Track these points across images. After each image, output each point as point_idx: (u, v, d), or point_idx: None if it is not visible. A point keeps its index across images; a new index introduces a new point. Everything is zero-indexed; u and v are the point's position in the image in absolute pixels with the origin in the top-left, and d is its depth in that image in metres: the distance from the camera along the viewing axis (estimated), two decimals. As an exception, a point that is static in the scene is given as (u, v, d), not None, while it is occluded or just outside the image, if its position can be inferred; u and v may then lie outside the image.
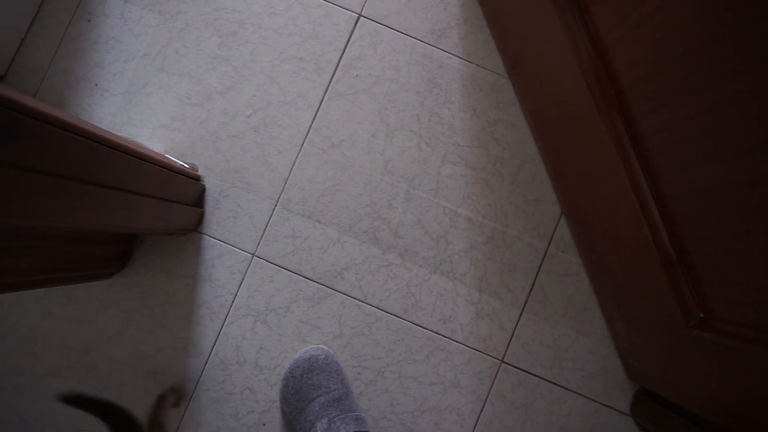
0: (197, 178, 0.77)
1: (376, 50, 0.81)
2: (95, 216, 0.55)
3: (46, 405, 0.78)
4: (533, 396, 0.78)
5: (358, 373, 0.78)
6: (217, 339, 0.78)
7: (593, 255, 0.75)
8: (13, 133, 0.41)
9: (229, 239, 0.79)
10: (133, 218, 0.62)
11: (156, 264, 0.78)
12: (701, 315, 0.57)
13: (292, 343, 0.78)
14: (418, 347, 0.78)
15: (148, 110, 0.80)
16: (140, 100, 0.81)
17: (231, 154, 0.80)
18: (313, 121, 0.80)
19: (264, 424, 0.77)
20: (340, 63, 0.81)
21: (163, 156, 0.73)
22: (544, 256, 0.79)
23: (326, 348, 0.76)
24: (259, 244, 0.79)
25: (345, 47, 0.81)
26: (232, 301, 0.78)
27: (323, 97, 0.80)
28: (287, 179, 0.79)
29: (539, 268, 0.79)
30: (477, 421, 0.77)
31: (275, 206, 0.79)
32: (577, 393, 0.78)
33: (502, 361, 0.78)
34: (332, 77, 0.81)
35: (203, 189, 0.79)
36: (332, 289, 0.78)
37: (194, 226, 0.78)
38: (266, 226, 0.79)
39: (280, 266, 0.78)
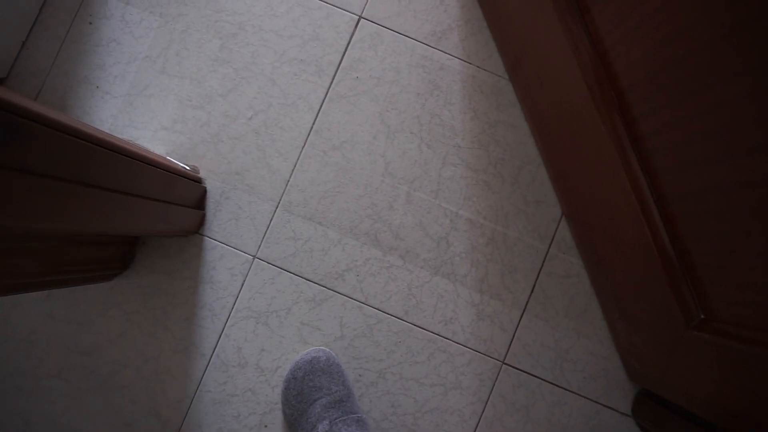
0: (198, 180, 0.78)
1: (377, 52, 0.81)
2: (96, 218, 0.56)
3: (47, 407, 0.78)
4: (534, 397, 0.78)
5: (360, 375, 0.78)
6: (218, 341, 0.78)
7: (594, 256, 0.75)
8: (14, 136, 0.41)
9: (231, 241, 0.79)
10: (135, 220, 0.62)
11: (157, 266, 0.79)
12: (702, 316, 0.57)
13: (293, 345, 0.78)
14: (419, 349, 0.78)
15: (150, 112, 0.81)
16: (141, 102, 0.81)
17: (232, 156, 0.80)
18: (314, 123, 0.80)
19: (266, 426, 0.77)
20: (341, 65, 0.81)
21: (165, 158, 0.74)
22: (545, 258, 0.79)
23: (327, 350, 0.76)
24: (260, 246, 0.79)
25: (346, 49, 0.81)
26: (234, 303, 0.78)
27: (324, 99, 0.81)
28: (288, 181, 0.80)
29: (540, 269, 0.79)
30: (478, 422, 0.77)
31: (276, 208, 0.79)
32: (578, 394, 0.78)
33: (503, 362, 0.78)
34: (333, 79, 0.81)
35: (204, 191, 0.79)
36: (333, 290, 0.78)
37: (195, 228, 0.78)
38: (267, 228, 0.79)
39: (281, 268, 0.79)
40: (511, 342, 0.79)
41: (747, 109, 0.40)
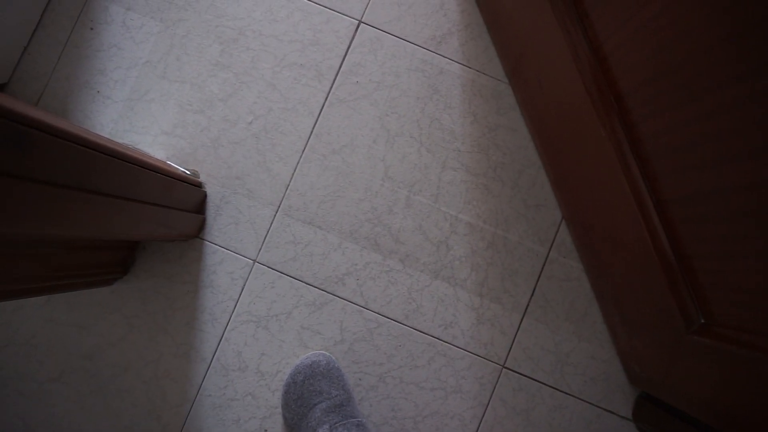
0: (198, 185, 0.78)
1: (377, 56, 0.81)
2: (97, 224, 0.56)
3: (48, 410, 0.78)
4: (534, 401, 0.78)
5: (360, 379, 0.78)
6: (218, 345, 0.78)
7: (594, 260, 0.75)
8: (16, 144, 0.41)
9: (231, 245, 0.79)
10: (135, 225, 0.62)
11: (158, 270, 0.79)
12: (702, 320, 0.57)
13: (293, 349, 0.78)
14: (420, 353, 0.78)
15: (150, 117, 0.81)
16: (142, 107, 0.81)
17: (232, 160, 0.80)
18: (314, 128, 0.80)
19: (266, 430, 0.77)
20: (341, 69, 0.81)
21: (165, 163, 0.74)
22: (545, 261, 0.79)
23: (327, 354, 0.76)
24: (260, 250, 0.79)
25: (345, 54, 0.82)
26: (234, 307, 0.78)
27: (324, 104, 0.81)
28: (288, 185, 0.80)
29: (540, 273, 0.79)
30: (478, 426, 0.77)
31: (276, 212, 0.79)
32: (579, 398, 0.78)
33: (503, 366, 0.78)
34: (333, 83, 0.81)
35: (205, 195, 0.79)
36: (333, 294, 0.79)
37: (196, 232, 0.78)
38: (267, 232, 0.79)
39: (281, 272, 0.79)
40: (512, 346, 0.79)
41: (746, 112, 0.40)
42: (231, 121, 0.81)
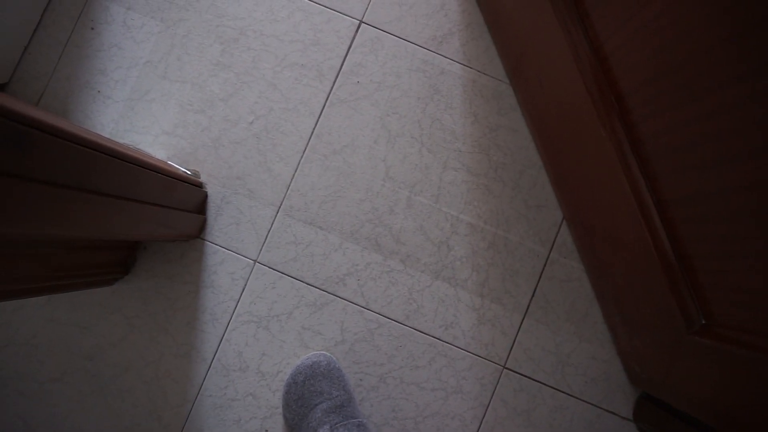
0: (199, 185, 0.78)
1: (378, 57, 0.81)
2: (97, 224, 0.56)
3: (49, 410, 0.78)
4: (535, 402, 0.78)
5: (360, 379, 0.78)
6: (219, 345, 0.78)
7: (595, 260, 0.75)
8: (16, 144, 0.41)
9: (232, 245, 0.79)
10: (136, 226, 0.62)
11: (159, 270, 0.79)
12: (703, 321, 0.57)
13: (294, 350, 0.78)
14: (420, 353, 0.78)
15: (151, 117, 0.81)
16: (143, 107, 0.81)
17: (233, 160, 0.80)
18: (314, 128, 0.80)
19: (266, 430, 0.77)
20: (342, 69, 0.81)
21: (165, 163, 0.74)
22: (546, 262, 0.79)
23: (328, 354, 0.76)
24: (261, 250, 0.79)
25: (346, 54, 0.82)
26: (235, 308, 0.78)
27: (325, 104, 0.81)
28: (289, 185, 0.80)
29: (541, 273, 0.79)
30: (479, 427, 0.77)
31: (277, 212, 0.79)
32: (580, 398, 0.78)
33: (504, 366, 0.78)
34: (334, 84, 0.81)
35: (205, 196, 0.79)
36: (334, 295, 0.79)
37: (197, 232, 0.78)
38: (268, 232, 0.79)
39: (282, 272, 0.79)
40: (512, 346, 0.79)
41: (746, 112, 0.40)
42: (232, 121, 0.81)
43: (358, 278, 0.79)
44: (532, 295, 0.79)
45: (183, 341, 0.78)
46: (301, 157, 0.80)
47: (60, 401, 0.78)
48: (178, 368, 0.78)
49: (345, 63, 0.81)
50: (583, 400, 0.78)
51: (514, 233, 0.79)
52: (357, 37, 0.82)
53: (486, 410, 0.78)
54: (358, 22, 0.82)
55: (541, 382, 0.78)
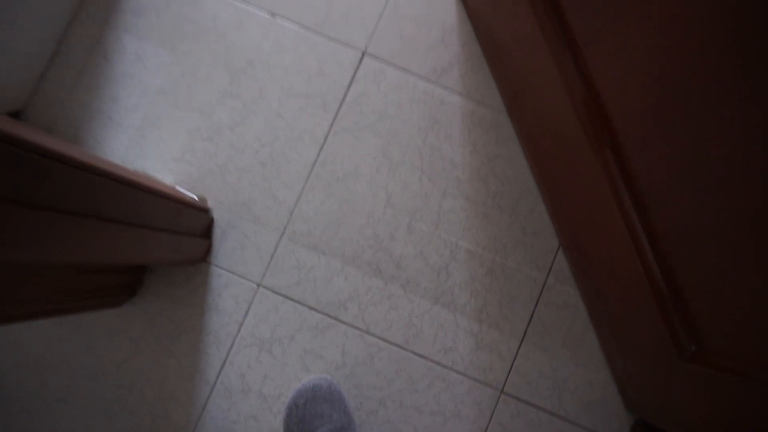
0: (206, 210, 0.80)
1: (380, 87, 0.84)
2: (107, 250, 0.58)
3: (54, 428, 0.79)
4: (533, 426, 0.79)
5: (360, 403, 0.79)
6: (222, 367, 0.80)
7: (590, 287, 0.77)
8: (34, 174, 0.43)
9: (236, 269, 0.81)
10: (144, 251, 0.64)
11: (164, 293, 0.81)
12: (693, 349, 0.59)
13: (295, 373, 0.80)
14: (419, 377, 0.80)
15: (161, 144, 0.84)
16: (153, 134, 0.84)
17: (239, 186, 0.82)
18: (318, 156, 0.83)
19: (267, 452, 0.78)
20: (345, 99, 0.84)
21: (174, 189, 0.76)
22: (543, 288, 0.81)
23: (329, 377, 0.78)
24: (265, 274, 0.81)
25: (350, 84, 0.84)
26: (238, 331, 0.80)
27: (328, 133, 0.83)
28: (293, 211, 0.82)
29: (538, 299, 0.81)
30: (477, 451, 0.79)
31: (281, 238, 0.82)
32: (576, 423, 0.79)
33: (501, 391, 0.80)
34: (337, 113, 0.84)
35: (211, 220, 0.82)
36: (336, 319, 0.80)
37: (202, 256, 0.80)
38: (272, 256, 0.81)
39: (285, 296, 0.81)
40: (510, 371, 0.80)
41: (738, 146, 0.42)
42: (238, 148, 0.83)
43: (359, 303, 0.80)
44: (529, 321, 0.81)
45: (187, 363, 0.80)
46: (305, 184, 0.83)
47: (64, 420, 0.79)
48: (182, 390, 0.79)
49: (348, 93, 0.84)
50: (580, 425, 0.79)
51: (511, 260, 0.81)
52: (360, 68, 0.85)
53: (483, 434, 0.79)
54: (362, 54, 0.85)
55: (538, 407, 0.79)
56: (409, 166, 0.83)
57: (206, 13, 0.86)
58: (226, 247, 0.81)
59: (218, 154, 0.83)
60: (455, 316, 0.80)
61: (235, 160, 0.83)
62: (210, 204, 0.82)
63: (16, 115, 0.84)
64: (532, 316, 0.81)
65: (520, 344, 0.80)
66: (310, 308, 0.80)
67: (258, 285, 0.81)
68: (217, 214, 0.82)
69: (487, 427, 0.79)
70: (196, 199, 0.79)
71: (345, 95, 0.84)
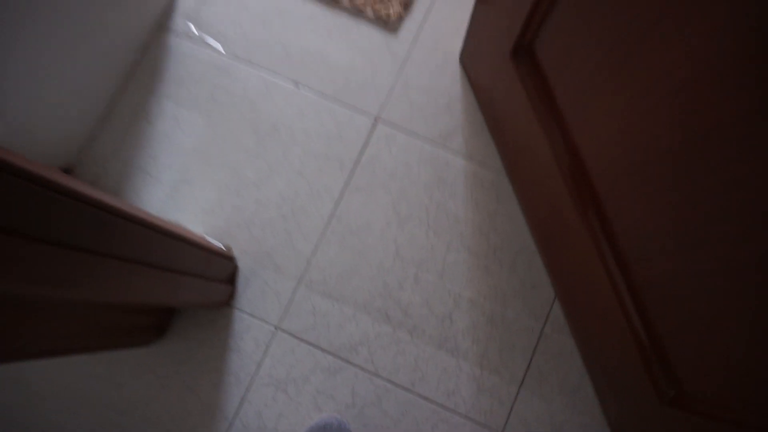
0: (231, 259, 0.88)
1: (391, 150, 0.93)
2: (144, 291, 0.66)
3: (83, 462, 0.85)
4: (531, 469, 0.83)
5: (368, 442, 0.84)
6: (241, 405, 0.86)
7: (584, 335, 0.83)
8: (95, 226, 0.52)
9: (257, 314, 0.88)
10: (175, 293, 0.72)
11: (190, 334, 0.88)
12: (673, 393, 0.64)
13: (308, 411, 0.85)
14: (424, 419, 0.85)
15: (193, 197, 0.93)
16: (186, 188, 0.93)
17: (262, 237, 0.91)
18: (334, 211, 0.91)
19: (280, 488, 0.83)
20: (360, 161, 0.93)
21: (203, 239, 0.85)
22: (540, 337, 0.87)
23: (339, 417, 0.84)
24: (283, 318, 0.88)
25: (364, 147, 0.94)
26: (257, 371, 0.87)
27: (344, 190, 0.92)
28: (310, 261, 0.90)
29: (535, 347, 0.87)
30: (478, 492, 0.83)
31: (299, 285, 0.89)
32: (572, 468, 0.83)
33: (501, 434, 0.85)
34: (352, 173, 0.93)
35: (236, 268, 0.90)
36: (347, 361, 0.87)
37: (227, 300, 0.88)
38: (290, 302, 0.89)
39: (300, 339, 0.87)
40: (509, 415, 0.85)
41: (709, 204, 0.48)
42: (263, 203, 0.92)
43: (369, 347, 0.87)
44: (528, 368, 0.86)
45: (208, 401, 0.86)
46: (322, 236, 0.91)
47: (93, 453, 0.86)
48: (202, 426, 0.85)
49: (363, 155, 0.93)
50: (576, 470, 0.83)
51: (510, 309, 0.88)
52: (374, 133, 0.94)
53: (484, 476, 0.83)
54: (375, 120, 0.95)
55: (535, 451, 0.84)
56: (417, 221, 0.91)
57: (237, 83, 0.96)
58: (248, 293, 0.89)
59: (244, 208, 0.92)
60: (458, 361, 0.86)
61: (259, 213, 0.92)
62: (235, 253, 0.91)
63: (66, 170, 0.94)
64: (530, 363, 0.87)
65: (519, 389, 0.86)
66: (324, 351, 0.87)
67: (276, 328, 0.88)
68: (241, 262, 0.90)
69: (488, 468, 0.83)
70: (223, 248, 0.88)
71: (360, 157, 0.93)
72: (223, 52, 0.97)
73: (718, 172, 0.46)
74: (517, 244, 0.90)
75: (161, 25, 0.99)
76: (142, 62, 0.98)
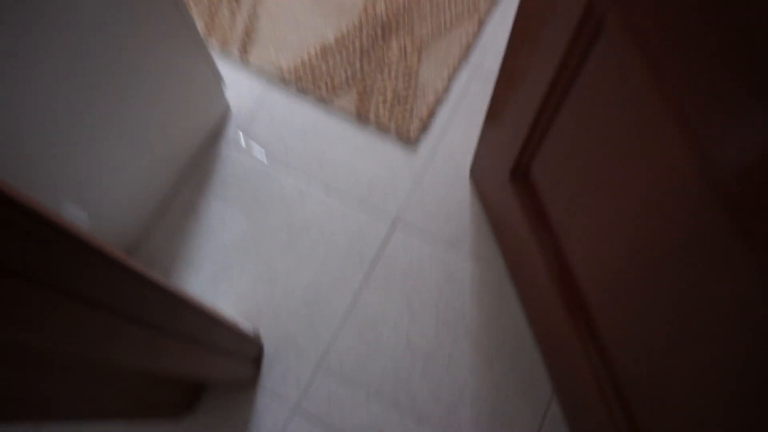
0: (259, 341, 0.98)
1: (407, 251, 1.05)
2: (181, 364, 0.76)
3: None
4: None
5: None
6: (256, 482, 0.92)
7: (579, 429, 0.88)
8: (167, 309, 0.64)
9: (278, 393, 0.97)
10: (208, 369, 0.82)
11: (216, 410, 0.96)
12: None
13: (318, 492, 0.91)
14: (427, 506, 0.90)
15: (229, 284, 1.05)
16: (224, 276, 1.06)
17: (287, 324, 1.01)
18: (353, 304, 1.02)
19: None
20: (379, 259, 1.05)
21: (236, 322, 0.96)
22: (540, 430, 0.93)
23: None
24: (301, 401, 0.96)
25: (383, 247, 1.06)
26: (274, 449, 0.94)
27: (363, 286, 1.03)
28: (329, 349, 0.99)
29: (534, 441, 0.92)
30: None
31: (317, 370, 0.98)
32: None
33: None
34: (371, 270, 1.04)
35: (262, 349, 1.00)
36: (357, 445, 0.93)
37: (252, 379, 0.97)
38: (309, 386, 0.97)
39: (316, 422, 0.95)
40: (509, 508, 0.89)
41: (685, 307, 0.54)
42: (290, 292, 1.04)
43: (379, 431, 0.94)
44: (527, 461, 0.91)
45: (227, 475, 0.93)
46: (341, 326, 1.01)
47: None
48: (220, 500, 0.92)
49: (381, 254, 1.05)
50: None
51: (511, 404, 0.94)
52: (392, 235, 1.07)
53: None
54: (393, 223, 1.07)
55: None
56: (427, 316, 1.01)
57: (276, 186, 1.12)
58: (272, 374, 0.98)
59: (274, 296, 1.04)
60: (461, 450, 0.92)
61: (286, 302, 1.03)
62: (263, 336, 1.01)
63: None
64: (529, 457, 0.92)
65: (518, 482, 0.90)
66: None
67: (295, 408, 0.96)
68: (267, 345, 1.00)
69: None
70: (252, 331, 0.98)
71: (378, 256, 1.05)
72: (265, 161, 1.14)
73: (678, 283, 0.54)
74: (518, 341, 0.98)
75: (216, 133, 1.17)
76: (197, 165, 1.14)
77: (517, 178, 0.87)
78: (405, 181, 1.11)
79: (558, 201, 0.79)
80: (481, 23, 1.25)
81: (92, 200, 0.92)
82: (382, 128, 1.15)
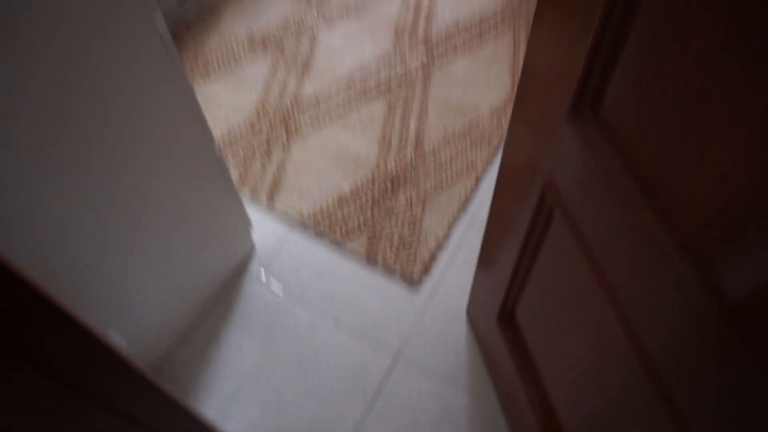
0: (265, 468, 1.05)
1: (406, 386, 1.14)
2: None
3: None
4: None
5: None
6: None
7: None
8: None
9: None
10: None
11: None
12: None
13: None
14: None
15: (240, 409, 1.13)
16: (236, 401, 1.14)
17: (293, 451, 1.08)
18: (355, 433, 1.09)
19: None
20: (380, 393, 1.13)
21: (246, 448, 1.03)
22: None
23: None
24: None
25: (384, 379, 1.15)
26: None
27: (365, 416, 1.11)
28: (330, 477, 1.05)
29: None
30: None
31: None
32: None
33: None
34: (373, 401, 1.12)
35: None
36: None
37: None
38: None
39: None
40: None
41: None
42: (297, 419, 1.11)
43: None
44: None
45: None
46: (343, 455, 1.07)
47: None
48: None
49: (383, 386, 1.14)
50: None
51: None
52: (394, 368, 1.16)
53: None
54: (394, 357, 1.17)
55: None
56: (424, 448, 1.07)
57: (290, 319, 1.24)
58: (274, 502, 1.03)
59: (281, 422, 1.11)
60: None
61: (293, 428, 1.10)
62: (268, 464, 1.07)
63: (146, 379, 1.18)
64: None
65: None
66: None
67: None
68: (272, 473, 1.06)
69: None
70: (260, 458, 1.05)
71: (380, 387, 1.14)
72: (282, 296, 1.27)
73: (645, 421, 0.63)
74: (510, 478, 1.03)
75: (242, 268, 1.32)
76: (222, 296, 1.28)
77: (503, 321, 0.99)
78: (407, 318, 1.23)
79: (540, 343, 0.90)
80: (478, 180, 1.44)
81: (127, 326, 1.04)
82: (388, 270, 1.30)
